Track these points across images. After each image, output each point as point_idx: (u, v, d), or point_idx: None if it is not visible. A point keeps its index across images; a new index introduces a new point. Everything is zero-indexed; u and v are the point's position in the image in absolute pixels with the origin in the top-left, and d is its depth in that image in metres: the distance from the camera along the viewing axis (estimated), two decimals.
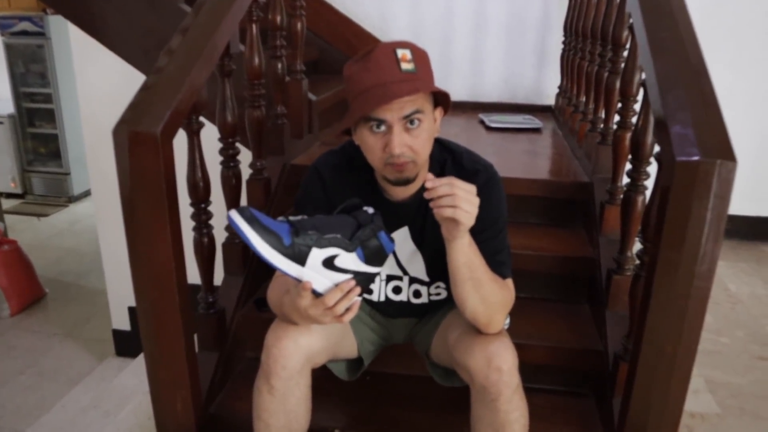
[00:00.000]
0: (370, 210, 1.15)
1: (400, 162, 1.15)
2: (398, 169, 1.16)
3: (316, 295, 1.10)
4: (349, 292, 1.10)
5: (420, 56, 1.16)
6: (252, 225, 1.04)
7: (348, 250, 1.09)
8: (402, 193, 1.28)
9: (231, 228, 1.06)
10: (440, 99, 1.21)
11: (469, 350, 1.18)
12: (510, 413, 1.17)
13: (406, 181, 1.20)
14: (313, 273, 1.08)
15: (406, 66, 1.12)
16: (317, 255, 1.07)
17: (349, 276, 1.11)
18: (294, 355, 1.21)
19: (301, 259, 1.07)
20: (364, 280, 1.13)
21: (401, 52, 1.13)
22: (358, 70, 1.14)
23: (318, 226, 1.10)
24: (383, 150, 1.15)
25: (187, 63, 1.35)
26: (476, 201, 1.06)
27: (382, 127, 1.14)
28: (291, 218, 1.11)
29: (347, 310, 1.11)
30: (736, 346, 2.36)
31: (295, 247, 1.06)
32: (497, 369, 1.14)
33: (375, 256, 1.12)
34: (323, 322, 1.14)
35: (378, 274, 1.17)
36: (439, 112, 1.23)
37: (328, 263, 1.08)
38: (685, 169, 1.03)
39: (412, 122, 1.13)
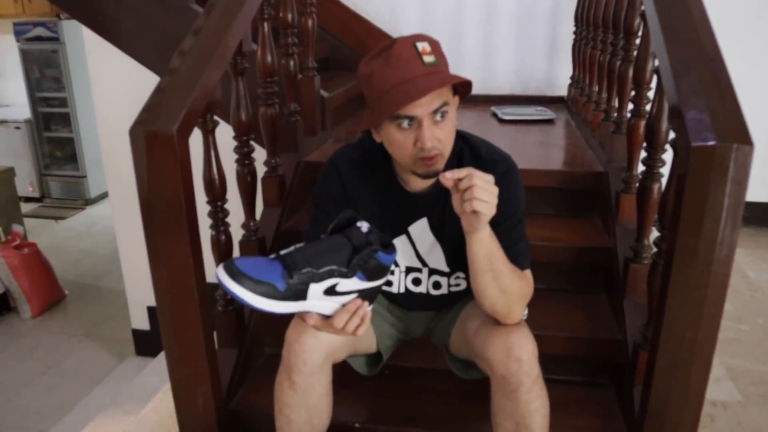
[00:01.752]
0: (365, 227, 1.11)
1: (431, 155, 1.15)
2: (428, 163, 1.16)
3: (325, 317, 1.11)
4: (357, 309, 1.10)
5: (436, 47, 1.16)
6: (241, 282, 1.02)
7: (347, 277, 1.08)
8: (420, 184, 1.28)
9: (220, 284, 1.04)
10: (458, 86, 1.21)
11: (489, 341, 1.19)
12: (530, 403, 1.17)
13: (435, 174, 1.19)
14: (317, 302, 1.08)
15: (428, 59, 1.12)
16: (316, 288, 1.06)
17: (353, 295, 1.10)
18: (315, 351, 1.22)
19: (301, 296, 1.06)
20: (369, 294, 1.13)
21: (421, 46, 1.13)
22: (379, 67, 1.13)
23: (311, 258, 1.07)
24: (413, 145, 1.15)
25: (200, 63, 1.36)
26: (495, 191, 1.06)
27: (412, 124, 1.14)
28: (282, 252, 1.09)
29: (360, 324, 1.12)
30: (756, 334, 2.34)
31: (292, 288, 1.04)
32: (517, 359, 1.14)
33: (376, 273, 1.11)
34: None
35: (383, 284, 1.17)
36: (456, 100, 1.23)
37: (330, 291, 1.08)
38: (701, 154, 1.02)
39: (441, 115, 1.13)
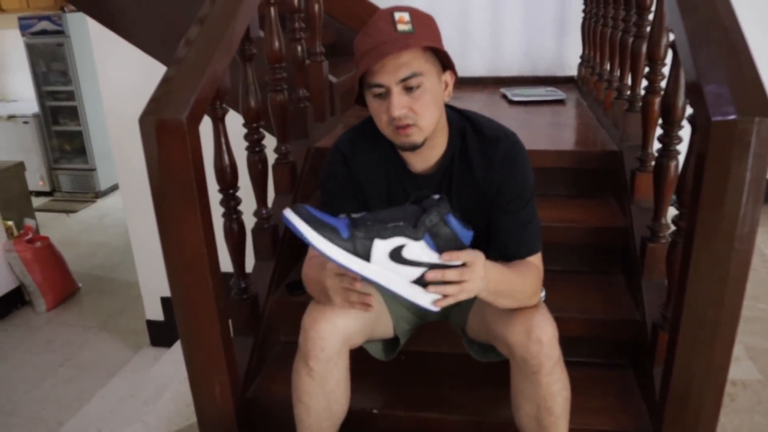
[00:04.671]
0: (437, 196, 1.08)
1: (403, 125, 1.14)
2: (402, 132, 1.15)
3: (382, 288, 1.05)
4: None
5: (421, 19, 1.14)
6: (308, 222, 1.00)
7: (415, 238, 1.01)
8: (423, 164, 1.26)
9: (286, 223, 1.01)
10: (447, 61, 1.18)
11: (509, 323, 1.17)
12: (552, 385, 1.16)
13: (413, 147, 1.18)
14: (379, 268, 1.01)
15: (402, 27, 1.10)
16: (381, 247, 1.00)
17: (423, 269, 1.02)
18: (332, 337, 1.21)
19: (365, 254, 1.00)
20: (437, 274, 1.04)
21: (398, 15, 1.11)
22: (360, 37, 1.14)
23: (379, 217, 1.03)
24: (386, 113, 1.14)
25: (208, 51, 1.34)
26: (478, 278, 1.05)
27: (385, 93, 1.13)
28: (353, 215, 1.05)
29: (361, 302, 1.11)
30: None
31: (356, 240, 1.00)
32: (538, 341, 1.13)
33: (447, 244, 1.03)
34: (336, 302, 1.15)
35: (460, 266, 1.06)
36: (449, 76, 1.20)
37: (396, 256, 1.01)
38: (722, 128, 1.00)
39: (410, 87, 1.12)
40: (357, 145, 1.32)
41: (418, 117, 1.14)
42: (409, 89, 1.12)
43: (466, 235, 1.05)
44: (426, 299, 1.03)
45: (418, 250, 1.01)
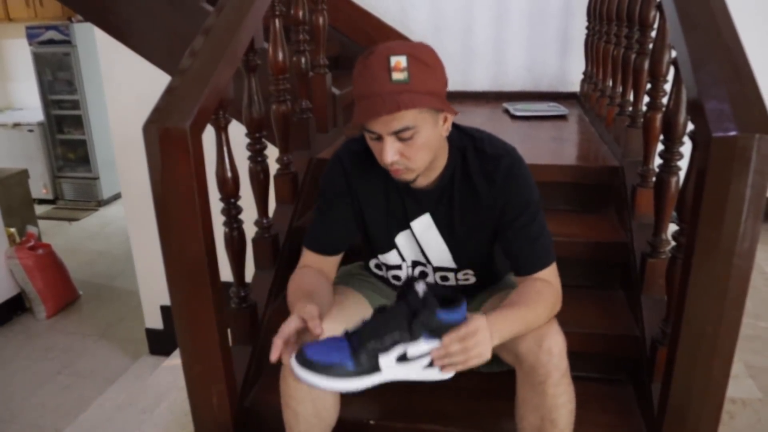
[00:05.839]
0: (421, 288, 1.08)
1: (394, 169, 1.17)
2: (396, 175, 1.19)
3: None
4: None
5: (419, 61, 1.09)
6: (312, 370, 1.04)
7: (412, 341, 1.05)
8: (423, 180, 1.26)
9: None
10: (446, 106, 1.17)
11: None
12: (558, 397, 1.16)
13: (405, 183, 1.22)
14: (392, 371, 1.07)
15: (397, 76, 1.07)
16: (387, 360, 1.06)
17: (430, 357, 1.06)
18: None
19: (375, 368, 1.06)
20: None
21: (395, 60, 1.07)
22: (357, 72, 1.13)
23: (374, 330, 1.07)
24: (380, 155, 1.16)
25: (212, 61, 1.36)
26: (484, 342, 1.05)
27: (377, 137, 1.14)
28: (350, 330, 1.10)
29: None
30: None
31: (362, 364, 1.05)
32: (548, 351, 1.14)
33: (445, 330, 1.05)
34: None
35: None
36: (449, 113, 1.18)
37: (402, 359, 1.06)
38: (723, 145, 1.01)
39: (403, 138, 1.12)
40: (357, 156, 1.33)
41: (410, 161, 1.16)
42: (402, 139, 1.13)
43: (455, 317, 1.06)
44: (439, 375, 1.08)
45: (420, 346, 1.05)
